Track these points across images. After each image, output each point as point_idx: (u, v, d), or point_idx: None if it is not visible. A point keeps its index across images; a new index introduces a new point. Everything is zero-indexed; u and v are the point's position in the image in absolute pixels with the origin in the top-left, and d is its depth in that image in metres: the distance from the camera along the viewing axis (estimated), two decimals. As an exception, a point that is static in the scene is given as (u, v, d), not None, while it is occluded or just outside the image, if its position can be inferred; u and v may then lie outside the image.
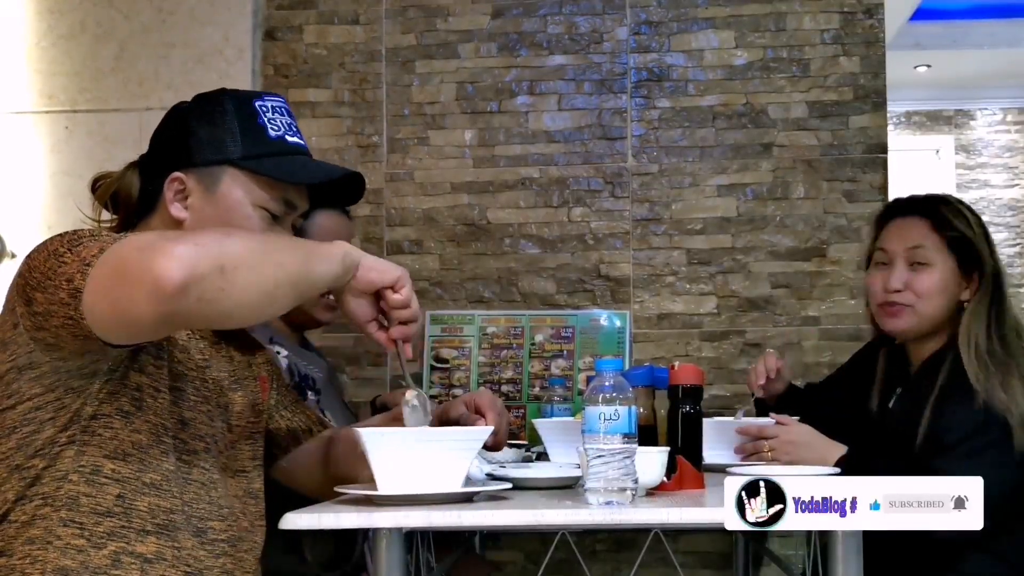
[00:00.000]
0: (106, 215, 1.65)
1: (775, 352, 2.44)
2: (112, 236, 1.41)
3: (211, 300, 1.26)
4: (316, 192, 1.67)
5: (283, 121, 1.63)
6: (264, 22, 3.18)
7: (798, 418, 2.15)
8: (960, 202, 2.23)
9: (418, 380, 2.96)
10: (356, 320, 1.50)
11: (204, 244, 1.28)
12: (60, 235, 1.42)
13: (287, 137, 1.62)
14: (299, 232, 2.38)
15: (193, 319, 1.35)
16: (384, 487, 1.39)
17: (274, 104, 1.63)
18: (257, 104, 1.61)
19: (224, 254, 1.28)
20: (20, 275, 1.41)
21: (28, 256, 1.42)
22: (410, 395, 1.52)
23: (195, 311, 1.28)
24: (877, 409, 2.25)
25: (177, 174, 1.56)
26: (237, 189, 1.57)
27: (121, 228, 1.63)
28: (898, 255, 2.18)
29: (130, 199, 1.61)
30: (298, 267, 1.38)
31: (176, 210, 1.57)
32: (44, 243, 1.41)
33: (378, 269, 1.47)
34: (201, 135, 1.58)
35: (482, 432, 1.46)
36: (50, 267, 1.35)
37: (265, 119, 1.60)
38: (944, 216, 2.18)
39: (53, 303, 1.34)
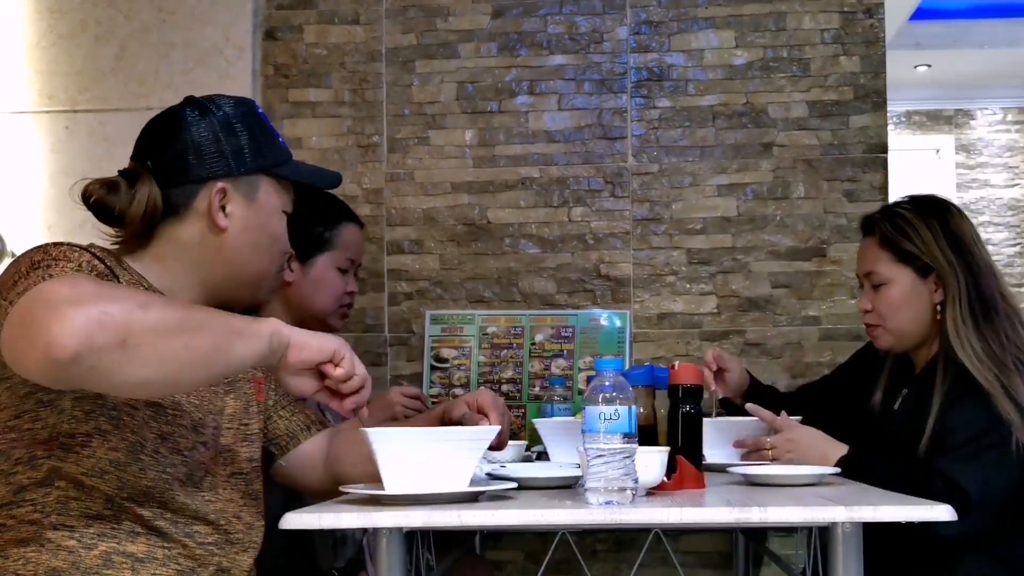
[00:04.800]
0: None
1: (718, 349, 2.48)
2: (73, 265, 1.40)
3: (105, 372, 1.23)
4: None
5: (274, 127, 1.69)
6: (264, 22, 3.18)
7: (800, 418, 2.15)
8: (910, 207, 2.21)
9: (419, 380, 2.96)
10: (300, 395, 1.47)
11: (112, 314, 1.23)
12: (34, 251, 1.43)
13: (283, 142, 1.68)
14: (325, 242, 2.39)
15: (85, 385, 1.30)
16: (391, 487, 1.39)
17: (260, 110, 1.68)
18: (259, 110, 1.67)
19: (131, 327, 1.24)
20: None
21: (6, 267, 1.43)
22: None
23: (87, 379, 1.25)
24: (881, 409, 2.25)
25: (221, 184, 1.56)
26: (272, 196, 1.63)
27: (139, 238, 1.58)
28: (862, 278, 2.27)
29: (156, 211, 1.56)
30: (213, 348, 1.32)
31: (220, 219, 1.57)
32: (20, 257, 1.42)
33: (311, 347, 1.41)
34: (239, 143, 1.58)
35: (489, 432, 1.46)
36: (7, 287, 1.36)
37: (271, 125, 1.66)
38: (887, 232, 2.19)
39: None
